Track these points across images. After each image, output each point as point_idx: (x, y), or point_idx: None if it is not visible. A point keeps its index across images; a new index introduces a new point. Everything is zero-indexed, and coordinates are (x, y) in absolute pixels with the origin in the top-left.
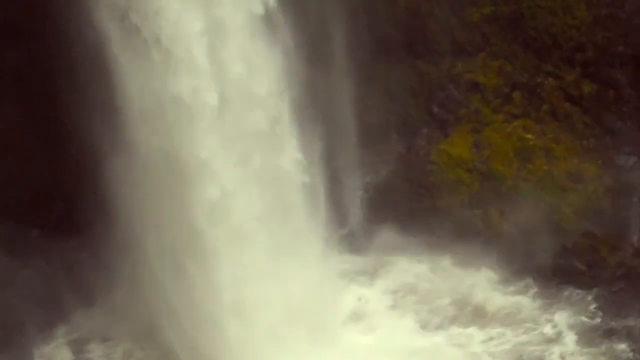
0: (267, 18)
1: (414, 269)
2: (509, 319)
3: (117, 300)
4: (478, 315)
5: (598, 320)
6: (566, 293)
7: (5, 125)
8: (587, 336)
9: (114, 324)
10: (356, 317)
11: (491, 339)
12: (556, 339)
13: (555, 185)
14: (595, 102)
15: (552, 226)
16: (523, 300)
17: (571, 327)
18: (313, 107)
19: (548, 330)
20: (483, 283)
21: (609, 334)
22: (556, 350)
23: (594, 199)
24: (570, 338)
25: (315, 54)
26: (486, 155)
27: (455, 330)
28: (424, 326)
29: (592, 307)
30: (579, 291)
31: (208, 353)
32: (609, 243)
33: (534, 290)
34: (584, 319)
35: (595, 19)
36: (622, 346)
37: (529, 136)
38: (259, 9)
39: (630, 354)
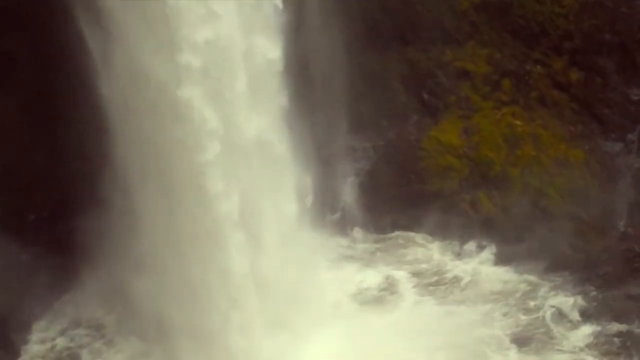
0: None
1: (407, 251)
2: (497, 299)
3: (111, 285)
4: (466, 294)
5: (585, 303)
6: (553, 276)
7: (1, 112)
8: (574, 318)
9: (107, 309)
10: (353, 299)
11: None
12: (542, 320)
13: (543, 171)
14: (583, 89)
15: (540, 211)
16: (511, 282)
17: (558, 309)
18: (305, 94)
19: (535, 311)
20: (472, 265)
21: (596, 316)
22: (542, 330)
23: (581, 184)
24: (556, 319)
25: (307, 42)
26: (475, 141)
27: (448, 307)
28: (420, 304)
29: (579, 290)
30: (566, 274)
31: (207, 337)
32: (595, 227)
33: (522, 273)
34: (570, 301)
35: (583, 7)
36: (610, 327)
37: (518, 123)
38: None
39: (618, 337)
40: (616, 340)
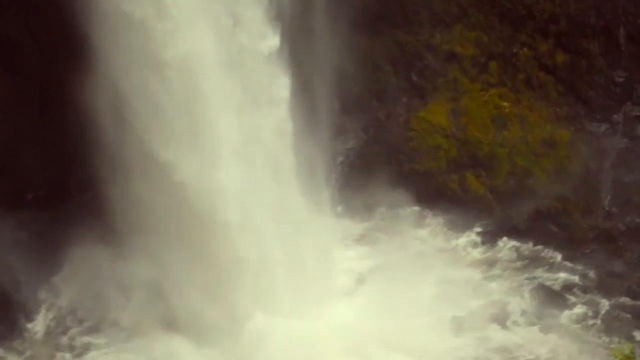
0: None
1: (396, 230)
2: (485, 272)
3: (109, 263)
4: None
5: (570, 280)
6: (540, 254)
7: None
8: (559, 294)
9: (106, 286)
10: (346, 278)
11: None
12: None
13: (529, 151)
14: (569, 71)
15: (527, 190)
16: (498, 260)
17: (543, 285)
18: (297, 76)
19: (520, 287)
20: (461, 243)
21: (582, 293)
22: (519, 303)
23: (567, 164)
24: (541, 295)
25: (298, 25)
26: (463, 122)
27: (443, 287)
28: (412, 282)
29: (565, 267)
30: (552, 252)
31: (211, 317)
32: (581, 206)
33: (508, 251)
34: (556, 278)
35: None
36: (595, 304)
37: (505, 104)
38: None
39: (603, 313)
40: (601, 316)
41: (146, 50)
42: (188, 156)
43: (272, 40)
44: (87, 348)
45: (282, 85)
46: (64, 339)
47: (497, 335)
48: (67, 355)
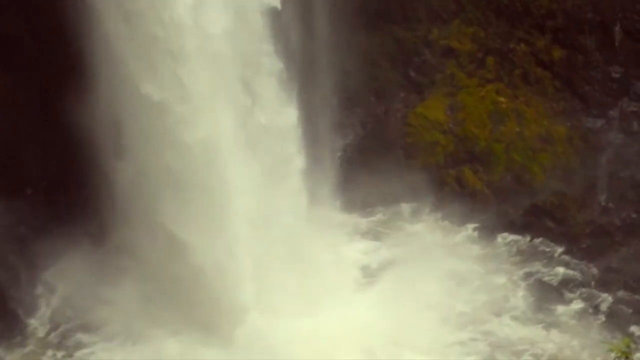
0: None
1: (394, 225)
2: (485, 267)
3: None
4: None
5: (567, 274)
6: (538, 249)
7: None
8: (556, 289)
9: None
10: (351, 274)
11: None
12: (522, 289)
13: (526, 147)
14: (565, 66)
15: (524, 185)
16: (495, 255)
17: (540, 280)
18: (296, 71)
19: (517, 282)
20: (458, 238)
21: (578, 287)
22: (521, 299)
23: (563, 159)
24: (538, 290)
25: (297, 20)
26: (461, 117)
27: (446, 282)
28: (416, 278)
29: (561, 262)
30: (549, 247)
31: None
32: (577, 202)
33: (506, 246)
34: (553, 273)
35: None
36: (592, 298)
37: (502, 99)
38: None
39: (600, 307)
40: (600, 310)
41: (165, 132)
42: (207, 237)
43: (290, 116)
44: (77, 347)
45: (298, 160)
46: (57, 337)
47: (502, 330)
48: (59, 354)
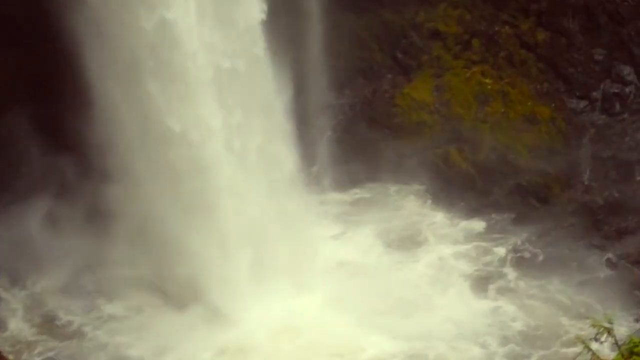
0: None
1: (382, 204)
2: (464, 245)
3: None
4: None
5: (550, 252)
6: (520, 227)
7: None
8: (538, 267)
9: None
10: (333, 252)
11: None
12: (505, 266)
13: (511, 127)
14: (549, 49)
15: (508, 165)
16: (480, 233)
17: (523, 257)
18: (284, 52)
19: (501, 259)
20: (443, 217)
21: (562, 265)
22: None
23: (547, 139)
24: (521, 267)
25: (286, 2)
26: (447, 98)
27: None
28: (393, 254)
29: (545, 240)
30: (533, 225)
31: (200, 290)
32: (561, 181)
33: (490, 225)
34: (536, 251)
35: None
36: (574, 276)
37: (487, 81)
38: None
39: (583, 285)
40: (581, 287)
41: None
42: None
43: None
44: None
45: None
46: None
47: (488, 305)
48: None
